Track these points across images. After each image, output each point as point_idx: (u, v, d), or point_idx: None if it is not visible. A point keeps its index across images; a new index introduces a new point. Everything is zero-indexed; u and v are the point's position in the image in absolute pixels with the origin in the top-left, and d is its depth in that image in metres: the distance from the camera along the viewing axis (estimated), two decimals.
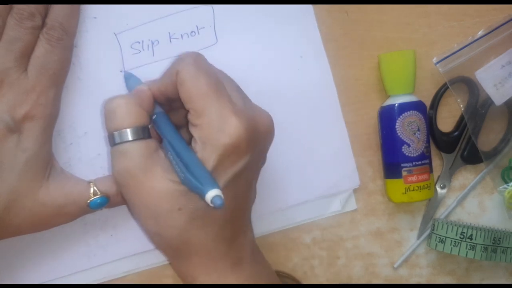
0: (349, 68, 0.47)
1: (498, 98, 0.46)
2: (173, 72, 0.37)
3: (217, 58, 0.44)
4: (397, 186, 0.45)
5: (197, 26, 0.44)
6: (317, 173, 0.46)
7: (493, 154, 0.47)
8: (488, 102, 0.46)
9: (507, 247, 0.46)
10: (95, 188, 0.40)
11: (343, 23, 0.47)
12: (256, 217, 0.45)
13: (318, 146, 0.46)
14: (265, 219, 0.46)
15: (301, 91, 0.46)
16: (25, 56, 0.38)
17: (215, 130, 0.35)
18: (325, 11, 0.46)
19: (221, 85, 0.37)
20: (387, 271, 0.48)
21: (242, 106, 0.37)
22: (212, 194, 0.33)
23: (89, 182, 0.40)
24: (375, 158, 0.47)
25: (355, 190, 0.47)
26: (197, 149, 0.36)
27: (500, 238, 0.45)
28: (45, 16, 0.39)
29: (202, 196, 0.34)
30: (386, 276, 0.48)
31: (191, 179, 0.34)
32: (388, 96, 0.46)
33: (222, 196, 0.34)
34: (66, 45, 0.40)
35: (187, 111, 0.37)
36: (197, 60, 0.37)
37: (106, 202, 0.40)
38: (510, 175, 0.47)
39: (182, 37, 0.44)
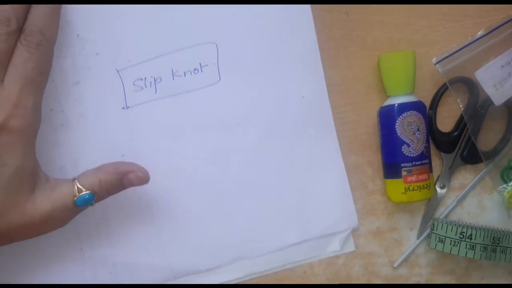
0: (349, 68, 0.47)
1: (498, 98, 0.46)
2: None
3: (220, 96, 0.44)
4: (396, 186, 0.45)
5: (200, 63, 0.44)
6: (315, 213, 0.46)
7: (492, 154, 0.47)
8: (488, 102, 0.46)
9: (507, 247, 0.46)
10: (78, 185, 0.39)
11: (343, 24, 0.47)
12: (253, 256, 0.46)
13: (316, 187, 0.46)
14: (262, 259, 0.46)
15: (301, 132, 0.46)
16: (2, 65, 0.36)
17: None
18: (325, 11, 0.46)
19: None
20: (387, 270, 0.48)
21: None
22: None
23: (73, 180, 0.39)
24: (375, 158, 0.48)
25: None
26: None
27: (499, 238, 0.45)
28: (23, 20, 0.37)
29: None
30: (385, 276, 0.48)
31: None
32: (388, 96, 0.46)
33: None
34: (46, 50, 0.38)
35: None
36: None
37: (92, 198, 0.39)
38: (509, 175, 0.47)
39: (185, 75, 0.44)
